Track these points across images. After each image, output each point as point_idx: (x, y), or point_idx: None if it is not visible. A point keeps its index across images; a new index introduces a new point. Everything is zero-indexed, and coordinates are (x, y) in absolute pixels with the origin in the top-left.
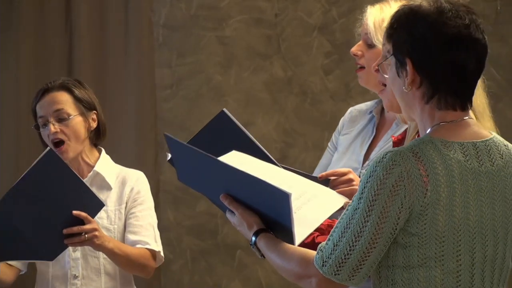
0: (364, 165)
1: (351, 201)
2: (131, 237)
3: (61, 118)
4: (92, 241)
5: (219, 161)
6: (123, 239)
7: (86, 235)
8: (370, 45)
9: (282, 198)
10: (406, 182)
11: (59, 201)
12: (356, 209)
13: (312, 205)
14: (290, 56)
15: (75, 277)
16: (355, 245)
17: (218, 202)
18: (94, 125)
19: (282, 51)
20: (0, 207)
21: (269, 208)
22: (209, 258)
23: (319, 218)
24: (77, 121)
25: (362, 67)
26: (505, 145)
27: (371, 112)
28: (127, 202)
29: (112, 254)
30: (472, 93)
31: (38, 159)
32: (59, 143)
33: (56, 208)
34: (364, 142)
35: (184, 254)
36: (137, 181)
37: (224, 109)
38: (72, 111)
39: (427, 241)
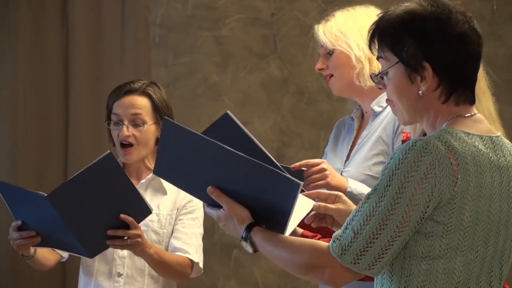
0: (346, 163)
1: (321, 204)
2: (174, 242)
3: (136, 123)
4: (134, 247)
5: (224, 147)
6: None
7: (129, 240)
8: (329, 53)
9: (291, 188)
10: (437, 170)
11: (109, 202)
12: (382, 196)
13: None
14: (287, 56)
15: (120, 275)
16: (380, 233)
17: (201, 197)
18: None
19: (278, 51)
20: (52, 198)
21: (268, 198)
22: (205, 258)
23: (300, 215)
24: (151, 130)
25: (331, 76)
26: (509, 143)
27: (351, 117)
28: (179, 208)
29: (150, 260)
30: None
31: (97, 159)
32: (126, 145)
33: (105, 209)
34: (347, 144)
35: None
36: None
37: (228, 112)
38: (148, 118)
39: (451, 231)
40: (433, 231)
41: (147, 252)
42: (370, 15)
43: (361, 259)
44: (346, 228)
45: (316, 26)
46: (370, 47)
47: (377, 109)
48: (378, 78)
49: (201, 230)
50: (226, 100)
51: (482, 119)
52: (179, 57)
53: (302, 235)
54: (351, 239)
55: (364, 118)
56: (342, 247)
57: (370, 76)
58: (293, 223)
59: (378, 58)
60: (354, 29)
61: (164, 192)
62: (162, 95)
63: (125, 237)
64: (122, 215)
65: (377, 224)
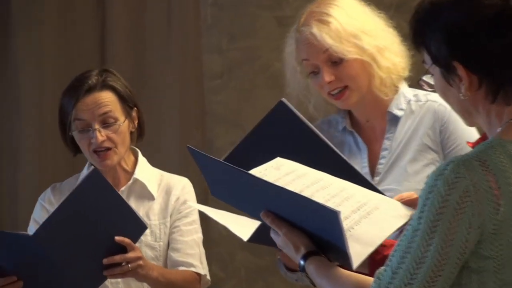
0: (377, 179)
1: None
2: (174, 255)
3: (108, 123)
4: (136, 272)
5: (251, 175)
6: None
7: (129, 265)
8: (336, 62)
9: (330, 217)
10: (474, 197)
11: (100, 226)
12: (415, 230)
13: (372, 219)
14: None
15: None
16: (417, 273)
17: (259, 219)
18: (136, 124)
19: None
20: (39, 236)
21: (318, 227)
22: (268, 277)
23: (381, 234)
24: (125, 127)
25: (345, 87)
26: None
27: (343, 128)
28: (172, 214)
29: (156, 284)
30: None
31: (81, 180)
32: (103, 150)
33: (96, 235)
34: (359, 159)
35: (237, 273)
36: (183, 189)
37: (283, 100)
38: (119, 114)
39: (504, 265)
40: (484, 267)
41: (150, 275)
42: (361, 6)
43: None
44: (387, 264)
45: (308, 30)
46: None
47: (398, 113)
48: (424, 81)
49: (200, 235)
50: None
51: None
52: (234, 42)
53: (377, 250)
54: (390, 279)
55: (362, 127)
56: (382, 287)
57: (418, 82)
58: (378, 239)
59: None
60: (368, 28)
61: (150, 197)
62: (122, 82)
63: (124, 263)
64: (117, 238)
65: (413, 263)
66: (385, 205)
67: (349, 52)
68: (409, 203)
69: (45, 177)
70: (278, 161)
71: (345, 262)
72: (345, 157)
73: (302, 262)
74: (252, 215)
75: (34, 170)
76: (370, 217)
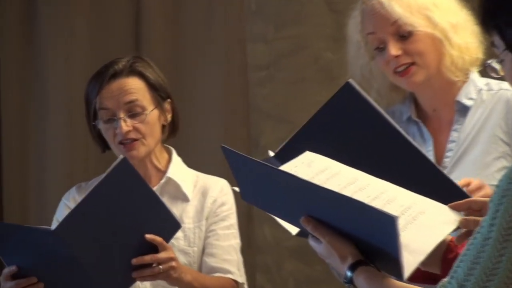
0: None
1: (469, 218)
2: (209, 261)
3: (135, 112)
4: (168, 274)
5: (291, 175)
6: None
7: (161, 266)
8: (404, 35)
9: (385, 223)
10: None
11: (128, 222)
12: (486, 238)
13: (419, 225)
14: None
15: None
16: (487, 287)
17: (299, 226)
18: (169, 118)
19: None
20: (61, 231)
21: (367, 234)
22: None
23: (430, 241)
24: (154, 117)
25: (412, 64)
26: None
27: (408, 118)
28: (208, 217)
29: None
30: None
31: (108, 172)
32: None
33: (125, 232)
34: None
35: (285, 283)
36: (221, 191)
37: (350, 81)
38: (147, 103)
39: None
40: None
41: (183, 279)
42: None
43: None
44: (451, 276)
45: None
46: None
47: (468, 103)
48: (491, 66)
49: (238, 241)
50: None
51: None
52: (281, 30)
53: (449, 248)
54: None
55: (428, 116)
56: None
57: (484, 65)
58: (427, 246)
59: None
60: (440, 2)
61: (185, 198)
62: (155, 70)
63: (154, 264)
64: (148, 236)
65: (483, 275)
66: (431, 209)
67: (419, 24)
68: (475, 192)
69: (74, 177)
70: (308, 155)
71: (394, 271)
72: (418, 147)
73: (349, 273)
74: (289, 221)
75: (62, 171)
76: (416, 223)
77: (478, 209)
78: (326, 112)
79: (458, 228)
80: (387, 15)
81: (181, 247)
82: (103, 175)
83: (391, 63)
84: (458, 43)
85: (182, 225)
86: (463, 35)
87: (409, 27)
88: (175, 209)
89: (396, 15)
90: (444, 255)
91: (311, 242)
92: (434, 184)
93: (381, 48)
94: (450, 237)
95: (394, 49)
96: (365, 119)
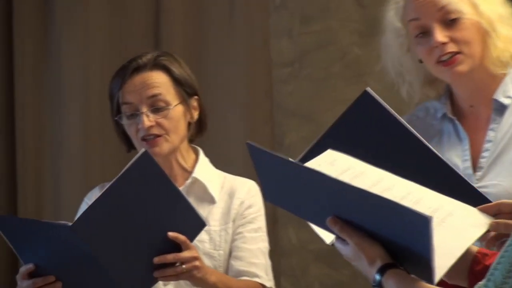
0: (479, 174)
1: (499, 221)
2: (236, 264)
3: (158, 107)
4: (192, 274)
5: (319, 173)
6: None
7: (184, 266)
8: (449, 23)
9: (418, 223)
10: None
11: (150, 219)
12: None
13: (448, 228)
14: None
15: None
16: None
17: (325, 227)
18: (195, 115)
19: None
20: (78, 227)
21: (398, 235)
22: None
23: (460, 245)
24: (178, 112)
25: (457, 53)
26: None
27: (443, 116)
28: (235, 219)
29: None
30: None
31: (128, 165)
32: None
33: (146, 229)
34: (461, 151)
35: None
36: (249, 192)
37: (368, 89)
38: (171, 98)
39: None
40: None
41: (208, 280)
42: None
43: None
44: (488, 279)
45: None
46: None
47: (505, 101)
48: None
49: (266, 244)
50: (371, 82)
51: None
52: (307, 24)
53: (476, 259)
54: None
55: (464, 114)
56: None
57: None
58: (457, 250)
59: None
60: None
61: (211, 200)
62: (181, 65)
63: (178, 263)
64: (170, 234)
65: None
66: (460, 212)
67: (467, 11)
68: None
69: (90, 176)
70: (331, 154)
71: (422, 275)
72: (438, 153)
73: (378, 277)
74: (314, 221)
75: (79, 169)
76: (445, 225)
77: (508, 211)
78: (345, 121)
79: (488, 231)
80: (435, 0)
81: (207, 250)
82: (124, 168)
83: (435, 51)
84: (505, 35)
85: (208, 227)
86: (509, 27)
87: (457, 13)
88: (201, 211)
89: (445, 0)
90: (471, 267)
91: (337, 244)
92: (457, 192)
93: (423, 35)
94: (477, 249)
95: (441, 36)
96: (384, 127)
